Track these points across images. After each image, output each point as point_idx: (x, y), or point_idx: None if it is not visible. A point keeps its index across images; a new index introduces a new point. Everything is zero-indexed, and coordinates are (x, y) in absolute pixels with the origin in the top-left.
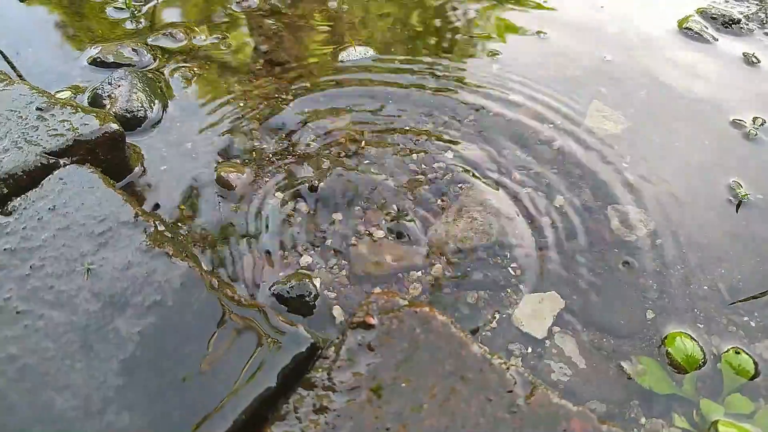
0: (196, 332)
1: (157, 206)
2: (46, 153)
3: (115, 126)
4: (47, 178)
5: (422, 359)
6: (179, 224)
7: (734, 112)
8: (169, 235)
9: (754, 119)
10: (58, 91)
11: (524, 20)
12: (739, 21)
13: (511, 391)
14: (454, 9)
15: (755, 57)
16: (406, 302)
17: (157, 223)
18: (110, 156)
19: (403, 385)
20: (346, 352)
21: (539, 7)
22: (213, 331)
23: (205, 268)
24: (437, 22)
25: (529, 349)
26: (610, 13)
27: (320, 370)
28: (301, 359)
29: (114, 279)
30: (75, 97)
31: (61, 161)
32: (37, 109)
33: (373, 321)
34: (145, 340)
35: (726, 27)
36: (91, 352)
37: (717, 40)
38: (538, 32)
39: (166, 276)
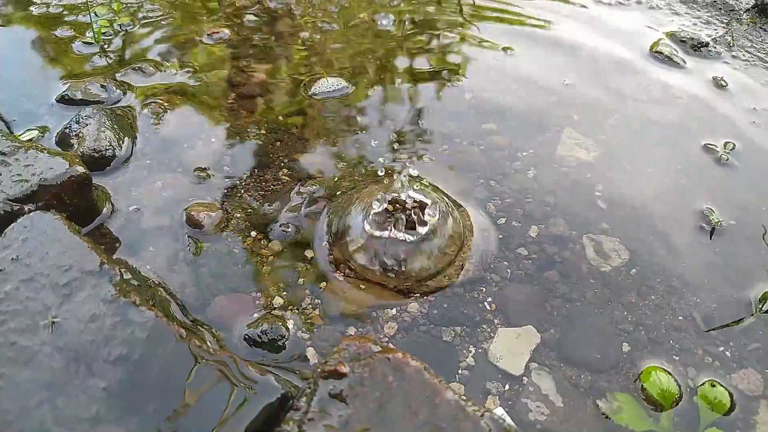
0: (164, 386)
1: (125, 249)
2: (9, 200)
3: (80, 169)
4: (10, 226)
5: (396, 409)
6: (148, 267)
7: (705, 136)
8: (136, 283)
9: (725, 144)
10: (27, 130)
11: (494, 41)
12: (707, 44)
13: None
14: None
15: (724, 80)
16: (379, 348)
17: (123, 271)
18: (76, 200)
19: None
20: (317, 403)
21: (514, 21)
22: (182, 385)
23: (174, 315)
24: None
25: (507, 387)
26: (582, 37)
27: (291, 422)
28: (271, 411)
29: (79, 332)
30: (42, 137)
31: (26, 208)
32: (1, 153)
33: (345, 369)
34: (111, 396)
35: (695, 50)
36: (55, 411)
37: (687, 63)
38: (505, 48)
39: (132, 327)
